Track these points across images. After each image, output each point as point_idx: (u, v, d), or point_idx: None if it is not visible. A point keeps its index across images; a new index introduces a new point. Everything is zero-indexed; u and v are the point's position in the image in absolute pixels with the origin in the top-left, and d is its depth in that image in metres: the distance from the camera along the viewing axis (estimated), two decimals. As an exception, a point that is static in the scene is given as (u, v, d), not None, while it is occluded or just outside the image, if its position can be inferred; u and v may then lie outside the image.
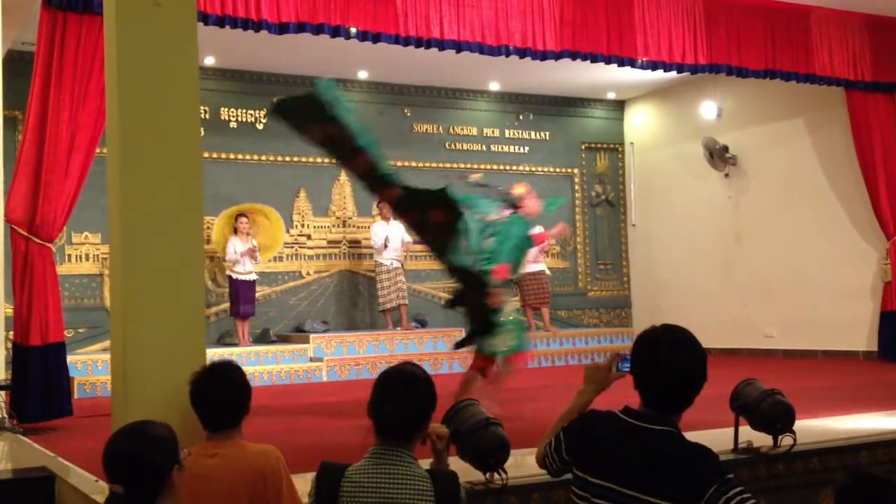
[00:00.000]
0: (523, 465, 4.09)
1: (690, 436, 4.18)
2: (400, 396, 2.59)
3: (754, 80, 9.80)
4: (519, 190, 6.50)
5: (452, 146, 12.50)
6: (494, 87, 12.52)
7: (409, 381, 2.63)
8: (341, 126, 5.60)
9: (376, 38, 7.70)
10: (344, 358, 10.10)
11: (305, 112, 5.76)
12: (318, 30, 7.44)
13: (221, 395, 3.18)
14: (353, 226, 11.79)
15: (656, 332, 2.46)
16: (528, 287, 11.71)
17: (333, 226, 11.71)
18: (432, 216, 5.86)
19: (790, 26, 9.39)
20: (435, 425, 2.82)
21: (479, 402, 3.75)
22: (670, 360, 2.39)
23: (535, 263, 11.70)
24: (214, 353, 8.05)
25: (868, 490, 2.59)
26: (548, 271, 11.88)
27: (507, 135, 12.90)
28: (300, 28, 7.37)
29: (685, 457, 2.32)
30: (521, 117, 12.97)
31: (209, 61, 10.59)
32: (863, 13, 9.70)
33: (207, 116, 10.75)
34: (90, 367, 8.98)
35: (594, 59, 8.65)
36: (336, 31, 7.51)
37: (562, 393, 7.70)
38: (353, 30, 7.57)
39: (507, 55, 8.31)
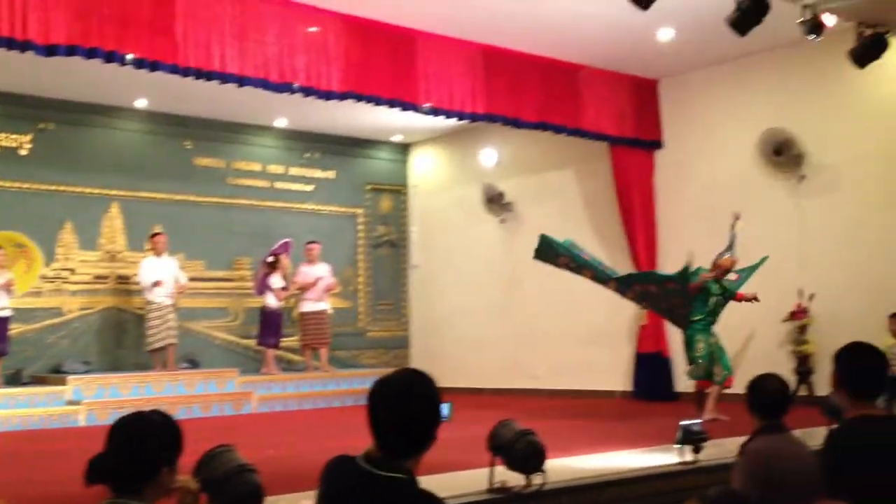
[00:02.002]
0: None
1: (445, 477, 4.27)
2: (127, 446, 2.46)
3: (529, 130, 10.28)
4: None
5: (235, 182, 12.24)
6: (281, 123, 12.41)
7: (139, 430, 2.49)
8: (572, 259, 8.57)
9: (153, 67, 7.40)
10: (105, 401, 9.39)
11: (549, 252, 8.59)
12: (90, 54, 7.06)
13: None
14: (124, 260, 11.20)
15: (388, 378, 2.46)
16: (308, 326, 11.60)
17: (101, 260, 11.07)
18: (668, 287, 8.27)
19: (562, 82, 9.90)
20: (184, 478, 2.69)
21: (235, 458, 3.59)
22: (400, 405, 2.39)
23: (318, 302, 11.62)
24: (-45, 396, 7.34)
25: None
26: (330, 310, 11.82)
27: (291, 172, 12.79)
28: (70, 51, 6.95)
29: None
30: (306, 155, 12.91)
31: (-32, 81, 9.80)
32: (627, 74, 10.44)
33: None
34: None
35: (378, 102, 8.77)
36: (110, 57, 7.15)
37: (335, 434, 7.67)
38: (129, 56, 7.24)
39: (292, 93, 8.28)
